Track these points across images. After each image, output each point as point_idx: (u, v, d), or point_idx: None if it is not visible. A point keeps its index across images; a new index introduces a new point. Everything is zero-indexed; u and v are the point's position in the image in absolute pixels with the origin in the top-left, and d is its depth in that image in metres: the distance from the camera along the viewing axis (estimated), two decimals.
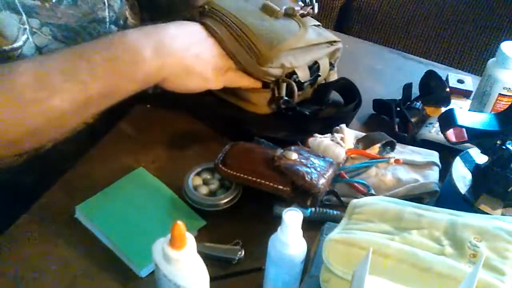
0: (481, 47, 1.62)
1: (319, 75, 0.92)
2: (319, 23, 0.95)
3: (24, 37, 0.75)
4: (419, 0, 1.70)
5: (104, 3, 0.86)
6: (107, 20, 0.86)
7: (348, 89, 0.95)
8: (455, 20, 1.64)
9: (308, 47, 0.89)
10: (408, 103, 0.94)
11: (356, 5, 1.80)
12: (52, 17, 0.78)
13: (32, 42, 0.76)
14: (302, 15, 0.92)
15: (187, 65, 0.77)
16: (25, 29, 0.75)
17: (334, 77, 0.98)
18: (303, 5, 0.94)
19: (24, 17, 0.74)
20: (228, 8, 0.87)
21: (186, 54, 0.77)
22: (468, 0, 1.65)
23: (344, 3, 1.87)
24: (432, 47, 1.67)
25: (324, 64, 0.93)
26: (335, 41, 0.94)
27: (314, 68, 0.91)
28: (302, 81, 0.88)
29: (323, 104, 0.93)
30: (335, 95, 0.97)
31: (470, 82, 1.00)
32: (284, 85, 0.86)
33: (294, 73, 0.87)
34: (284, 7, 0.90)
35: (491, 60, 0.90)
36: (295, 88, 0.87)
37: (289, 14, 0.90)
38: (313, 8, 0.93)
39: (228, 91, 0.89)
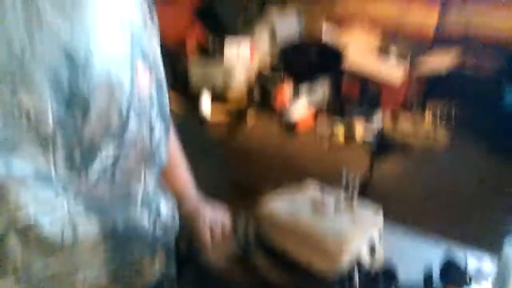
0: (496, 224, 1.62)
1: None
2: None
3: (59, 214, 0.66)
4: (433, 178, 1.76)
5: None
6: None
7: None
8: (469, 198, 1.68)
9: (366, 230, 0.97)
10: None
11: (371, 183, 1.87)
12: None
13: (68, 217, 0.67)
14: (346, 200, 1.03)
15: None
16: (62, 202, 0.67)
17: (381, 254, 1.03)
18: (345, 187, 1.05)
19: (60, 189, 0.67)
20: (288, 219, 0.98)
21: None
22: (479, 179, 1.70)
23: (362, 184, 1.93)
24: (448, 223, 1.68)
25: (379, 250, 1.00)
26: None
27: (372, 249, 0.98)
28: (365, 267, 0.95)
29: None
30: None
31: (488, 264, 1.01)
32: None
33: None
34: (333, 203, 1.01)
35: (507, 242, 0.90)
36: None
37: (338, 208, 1.01)
38: (353, 193, 1.04)
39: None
